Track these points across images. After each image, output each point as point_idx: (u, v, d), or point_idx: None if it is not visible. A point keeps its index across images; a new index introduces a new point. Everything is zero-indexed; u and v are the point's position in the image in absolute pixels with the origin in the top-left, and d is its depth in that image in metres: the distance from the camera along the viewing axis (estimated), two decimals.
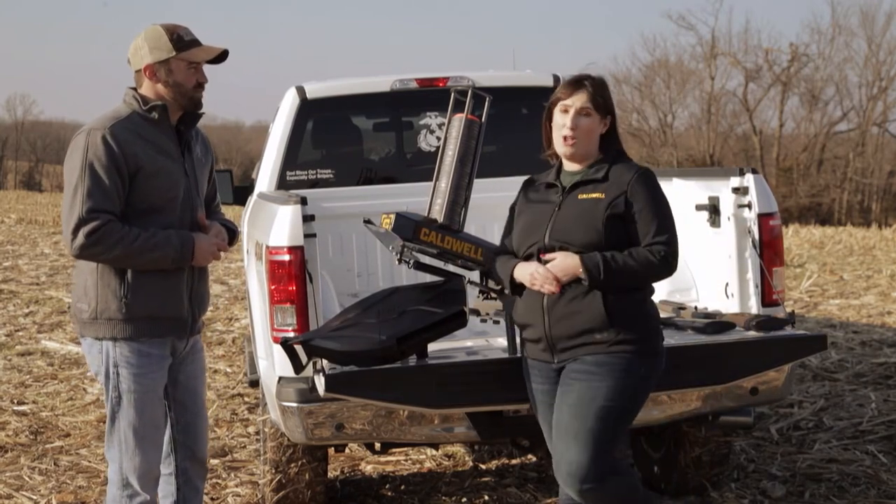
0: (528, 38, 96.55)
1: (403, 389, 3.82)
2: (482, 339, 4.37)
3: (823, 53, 42.94)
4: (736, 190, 4.35)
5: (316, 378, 3.83)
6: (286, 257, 3.99)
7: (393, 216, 3.96)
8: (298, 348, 3.80)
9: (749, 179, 4.31)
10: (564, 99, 3.49)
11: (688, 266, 4.71)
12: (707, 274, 4.68)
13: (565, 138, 3.47)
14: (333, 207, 5.21)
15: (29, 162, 69.97)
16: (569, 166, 3.55)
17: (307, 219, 4.10)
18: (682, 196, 4.71)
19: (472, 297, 4.20)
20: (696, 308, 4.55)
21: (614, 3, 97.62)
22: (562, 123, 3.49)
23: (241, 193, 6.35)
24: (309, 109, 5.55)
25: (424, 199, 4.20)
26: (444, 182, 4.07)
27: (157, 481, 3.79)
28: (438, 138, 5.60)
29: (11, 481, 5.57)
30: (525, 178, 3.82)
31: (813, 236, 20.95)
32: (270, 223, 4.12)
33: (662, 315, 3.98)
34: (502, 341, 4.11)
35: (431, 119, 5.71)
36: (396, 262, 4.10)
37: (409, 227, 3.94)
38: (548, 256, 3.39)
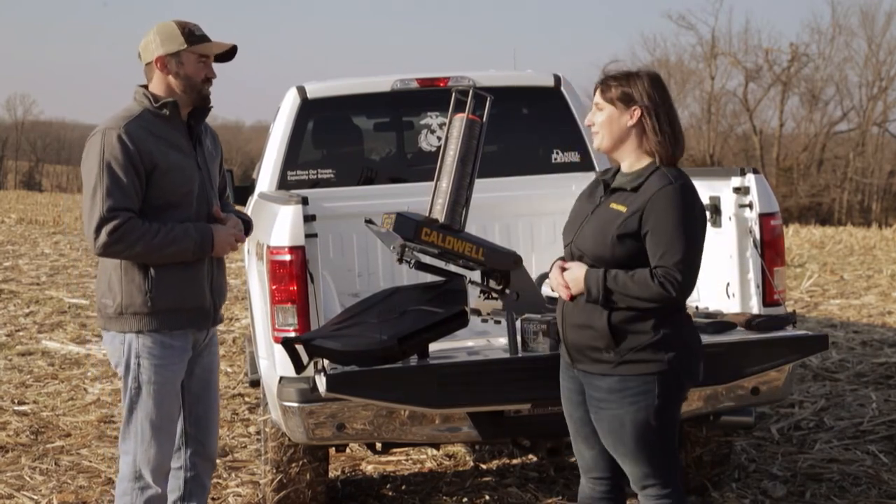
0: (528, 38, 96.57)
1: (404, 389, 3.82)
2: (483, 339, 4.36)
3: (823, 53, 42.96)
4: (737, 190, 4.34)
5: (317, 378, 3.83)
6: (287, 257, 4.00)
7: (394, 216, 3.96)
8: (299, 348, 3.81)
9: (750, 179, 4.31)
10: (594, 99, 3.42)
11: None
12: (708, 274, 4.66)
13: (592, 134, 3.39)
14: (334, 207, 5.21)
15: (29, 162, 69.98)
16: (623, 167, 3.37)
17: (308, 219, 4.10)
18: None
19: (474, 297, 4.19)
20: (696, 308, 4.55)
21: (614, 3, 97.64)
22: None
23: (242, 193, 6.34)
24: (310, 109, 5.55)
25: (425, 198, 4.20)
26: (446, 182, 4.07)
27: (168, 475, 3.82)
28: (439, 138, 5.60)
29: (12, 481, 5.57)
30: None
31: (813, 236, 20.94)
32: (271, 223, 4.12)
33: None
34: (503, 341, 4.11)
35: (432, 119, 5.71)
36: (397, 262, 4.10)
37: (410, 227, 3.94)
38: (566, 265, 3.32)
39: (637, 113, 3.27)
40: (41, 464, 5.87)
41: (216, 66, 3.75)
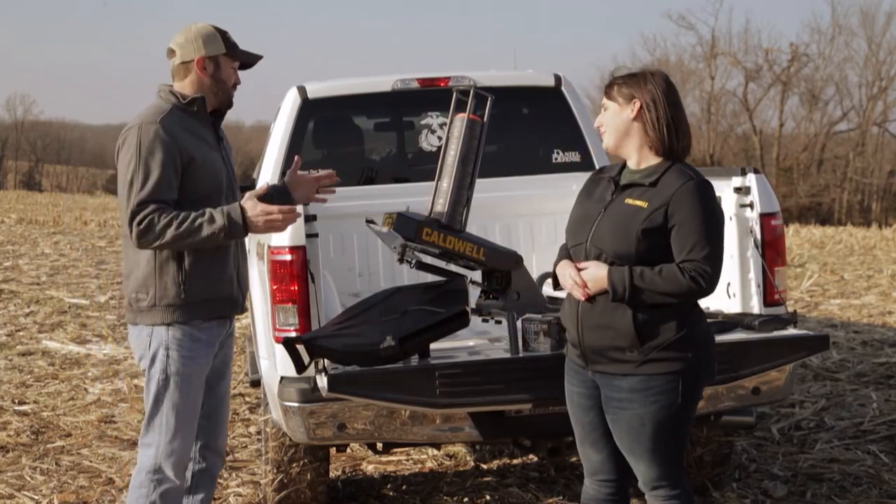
0: (528, 37, 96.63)
1: (405, 389, 3.82)
2: (484, 338, 4.37)
3: (823, 53, 42.99)
4: (738, 190, 4.34)
5: (318, 378, 3.83)
6: (288, 257, 4.00)
7: (395, 216, 3.96)
8: (300, 348, 3.81)
9: (751, 179, 4.30)
10: None
11: None
12: None
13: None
14: (335, 207, 5.19)
15: (29, 162, 69.99)
16: (630, 164, 3.38)
17: (309, 219, 4.11)
18: None
19: (474, 297, 4.19)
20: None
21: (614, 3, 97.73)
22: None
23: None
24: (310, 109, 5.55)
25: (426, 198, 4.20)
26: (447, 182, 4.07)
27: (186, 469, 3.85)
28: (440, 138, 5.60)
29: (13, 481, 5.57)
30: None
31: (813, 236, 20.95)
32: None
33: None
34: (504, 341, 4.11)
35: (433, 119, 5.71)
36: (398, 262, 4.10)
37: (410, 227, 3.94)
38: (582, 265, 3.27)
39: (637, 105, 3.28)
40: (42, 464, 5.87)
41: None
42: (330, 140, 5.82)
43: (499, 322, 4.26)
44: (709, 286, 3.17)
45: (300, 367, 3.83)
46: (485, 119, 4.16)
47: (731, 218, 4.39)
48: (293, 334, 3.95)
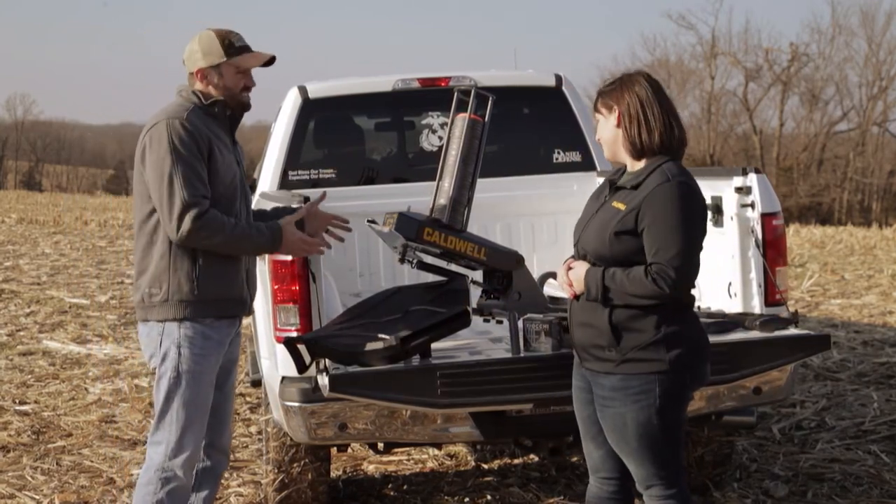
0: (528, 37, 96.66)
1: (407, 389, 3.81)
2: (485, 338, 4.37)
3: (823, 53, 43.01)
4: (739, 189, 4.34)
5: (319, 378, 3.83)
6: (289, 257, 4.00)
7: (396, 216, 3.96)
8: (301, 348, 3.80)
9: (752, 179, 4.30)
10: None
11: None
12: (710, 273, 4.66)
13: None
14: (335, 207, 5.19)
15: (29, 162, 70.02)
16: (628, 167, 3.42)
17: None
18: None
19: (476, 297, 4.19)
20: (698, 308, 4.54)
21: (614, 3, 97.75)
22: None
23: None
24: (311, 109, 5.55)
25: (426, 198, 4.20)
26: (448, 182, 4.07)
27: (194, 468, 3.85)
28: (440, 138, 5.60)
29: (14, 481, 5.57)
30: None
31: (814, 236, 20.95)
32: None
33: None
34: (505, 341, 4.11)
35: (433, 119, 5.71)
36: (399, 262, 4.10)
37: (412, 227, 3.93)
38: (571, 265, 3.36)
39: (616, 113, 3.34)
40: (42, 464, 5.87)
41: (258, 71, 3.92)
42: (331, 140, 5.82)
43: (500, 322, 4.25)
44: (672, 289, 3.15)
45: (301, 366, 3.83)
46: (486, 119, 4.16)
47: (731, 218, 4.40)
48: (294, 334, 3.95)
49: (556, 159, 5.70)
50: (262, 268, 4.37)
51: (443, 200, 4.07)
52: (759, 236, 4.27)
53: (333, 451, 4.89)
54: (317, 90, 5.58)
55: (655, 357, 3.22)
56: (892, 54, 42.04)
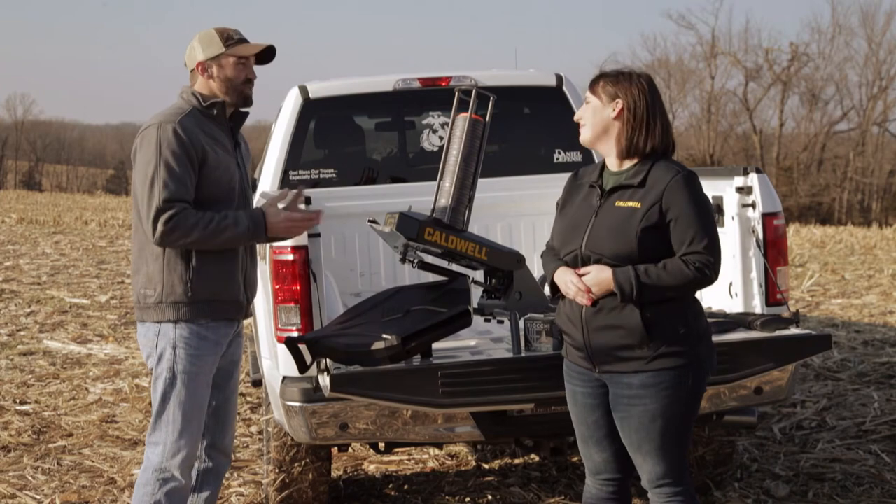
0: (528, 37, 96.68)
1: (408, 389, 3.81)
2: (486, 338, 4.36)
3: (824, 53, 43.06)
4: (740, 189, 4.34)
5: (321, 377, 3.83)
6: (290, 257, 4.00)
7: (397, 215, 3.96)
8: (303, 348, 3.81)
9: (753, 179, 4.30)
10: None
11: None
12: None
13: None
14: (336, 207, 5.20)
15: (29, 162, 70.05)
16: (610, 164, 3.40)
17: None
18: None
19: (477, 297, 4.19)
20: None
21: (615, 2, 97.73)
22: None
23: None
24: (312, 109, 5.55)
25: (427, 198, 4.20)
26: (449, 181, 4.07)
27: (192, 469, 3.85)
28: (441, 138, 5.60)
29: (15, 481, 5.57)
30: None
31: (814, 236, 20.95)
32: None
33: None
34: (506, 341, 4.11)
35: (434, 118, 5.71)
36: (400, 262, 4.10)
37: (413, 227, 3.93)
38: (582, 271, 3.27)
39: (619, 106, 3.32)
40: (43, 463, 5.87)
41: (260, 70, 3.91)
42: (331, 140, 5.82)
43: (501, 322, 4.26)
44: (713, 275, 3.23)
45: (302, 366, 3.83)
46: (487, 119, 4.16)
47: (733, 217, 4.40)
48: (295, 334, 3.95)
49: (557, 159, 5.70)
50: (264, 268, 4.37)
51: (444, 200, 4.07)
52: (760, 236, 4.27)
53: (334, 450, 4.89)
54: (317, 90, 5.58)
55: (685, 350, 3.25)
56: (892, 54, 42.10)
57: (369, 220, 4.40)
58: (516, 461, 5.69)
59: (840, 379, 7.39)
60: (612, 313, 3.25)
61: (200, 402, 3.78)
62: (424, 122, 5.75)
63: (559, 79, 5.74)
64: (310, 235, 4.06)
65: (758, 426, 5.18)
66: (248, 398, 7.17)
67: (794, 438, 5.97)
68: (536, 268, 5.16)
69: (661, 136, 3.33)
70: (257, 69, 3.89)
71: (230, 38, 3.80)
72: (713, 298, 4.61)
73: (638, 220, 3.22)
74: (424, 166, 5.54)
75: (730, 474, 5.22)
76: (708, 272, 3.21)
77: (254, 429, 6.43)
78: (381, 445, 4.52)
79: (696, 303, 3.37)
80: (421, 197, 4.62)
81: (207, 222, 3.61)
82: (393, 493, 5.28)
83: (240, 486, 5.41)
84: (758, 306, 4.32)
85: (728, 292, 4.47)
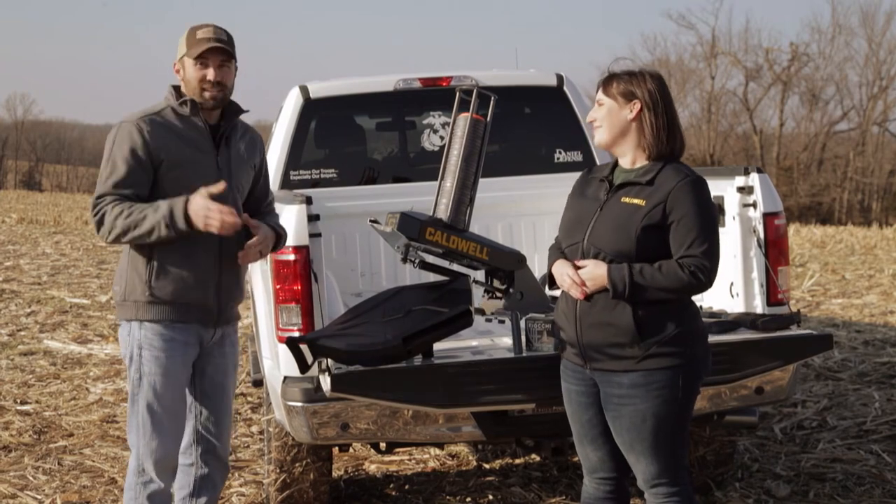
0: (527, 37, 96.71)
1: (409, 389, 3.81)
2: (487, 338, 4.36)
3: (824, 53, 43.01)
4: (741, 189, 4.34)
5: (322, 378, 3.83)
6: (291, 257, 4.00)
7: (398, 215, 3.96)
8: (304, 348, 3.80)
9: (754, 179, 4.31)
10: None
11: None
12: None
13: (593, 130, 3.41)
14: (337, 207, 5.20)
15: (29, 162, 70.02)
16: (623, 162, 3.40)
17: (312, 218, 4.10)
18: None
19: (478, 297, 4.19)
20: (700, 307, 4.54)
21: (614, 2, 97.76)
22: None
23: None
24: (312, 109, 5.55)
25: (428, 198, 4.19)
26: (450, 181, 4.07)
27: (174, 471, 3.82)
28: (442, 137, 5.60)
29: (16, 481, 5.57)
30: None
31: (814, 236, 20.95)
32: None
33: None
34: (507, 341, 4.11)
35: (435, 118, 5.71)
36: (401, 262, 4.10)
37: (414, 227, 3.93)
38: (580, 263, 3.28)
39: (637, 107, 3.32)
40: (44, 463, 5.87)
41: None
42: (332, 140, 5.82)
43: (502, 322, 4.26)
44: (707, 281, 3.22)
45: (303, 366, 3.83)
46: (488, 119, 4.16)
47: (734, 217, 4.40)
48: (296, 334, 3.95)
49: (558, 159, 5.70)
50: (265, 267, 4.37)
51: (445, 200, 4.07)
52: (761, 236, 4.27)
53: (335, 450, 4.89)
54: (318, 90, 5.58)
55: (677, 350, 3.24)
56: (892, 54, 42.07)
57: (370, 220, 4.39)
58: (517, 461, 5.69)
59: (841, 379, 7.39)
60: (605, 310, 3.25)
61: (171, 405, 3.71)
62: (425, 121, 5.75)
63: (560, 79, 5.74)
64: (311, 235, 4.06)
65: (759, 426, 5.19)
66: (249, 398, 7.17)
67: (794, 438, 5.97)
68: (537, 267, 5.16)
69: (678, 135, 3.34)
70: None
71: (191, 37, 3.70)
72: (714, 298, 4.61)
73: (640, 218, 3.22)
74: (425, 166, 5.54)
75: (731, 474, 5.22)
76: (703, 277, 3.20)
77: (254, 429, 6.43)
78: (383, 445, 4.52)
79: (692, 304, 3.37)
80: (422, 197, 4.62)
81: (128, 213, 3.53)
82: (394, 493, 5.28)
83: (241, 486, 5.41)
84: (759, 306, 4.32)
85: (729, 292, 4.47)
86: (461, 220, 4.06)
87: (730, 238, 4.42)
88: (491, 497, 5.16)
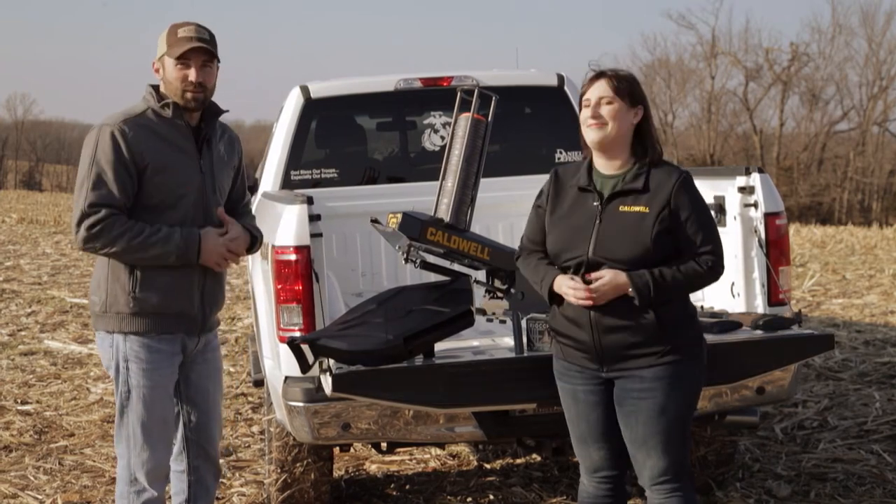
0: (527, 37, 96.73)
1: (410, 389, 3.81)
2: (489, 338, 4.36)
3: (824, 53, 43.01)
4: (742, 189, 4.35)
5: (323, 377, 3.83)
6: (292, 257, 3.99)
7: (399, 215, 3.96)
8: (305, 348, 3.80)
9: (755, 179, 4.31)
10: (585, 94, 3.39)
11: None
12: None
13: (590, 126, 3.33)
14: (338, 207, 5.20)
15: (29, 162, 70.02)
16: (601, 166, 3.40)
17: (313, 218, 4.10)
18: None
19: (479, 297, 4.19)
20: (702, 307, 4.55)
21: (614, 2, 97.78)
22: (583, 118, 3.37)
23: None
24: (313, 109, 5.55)
25: (429, 198, 4.20)
26: (451, 181, 4.07)
27: (167, 478, 3.80)
28: (442, 137, 5.60)
29: (16, 481, 5.57)
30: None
31: (814, 236, 20.95)
32: (276, 223, 4.11)
33: None
34: (509, 341, 4.11)
35: (435, 118, 5.71)
36: (403, 262, 4.10)
37: (415, 227, 3.93)
38: (595, 275, 3.27)
39: (641, 111, 3.38)
40: (45, 463, 5.87)
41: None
42: (333, 140, 5.82)
43: (503, 322, 4.25)
44: (722, 267, 3.36)
45: (304, 366, 3.83)
46: (489, 118, 4.16)
47: (735, 217, 4.40)
48: (297, 334, 3.95)
49: (559, 158, 5.70)
50: (265, 267, 4.37)
51: (446, 200, 4.07)
52: (763, 236, 4.27)
53: (336, 450, 4.89)
54: (319, 90, 5.58)
55: (693, 342, 3.37)
56: (892, 54, 42.07)
57: (371, 220, 4.40)
58: (518, 461, 5.68)
59: (841, 379, 7.39)
60: (626, 314, 3.28)
61: (161, 414, 3.68)
62: (426, 121, 5.75)
63: (560, 78, 5.74)
64: (312, 235, 4.06)
65: (759, 426, 5.18)
66: (250, 398, 7.17)
67: (795, 438, 5.97)
68: None
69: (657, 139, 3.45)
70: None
71: (173, 36, 3.58)
72: (715, 298, 4.61)
73: (650, 225, 3.27)
74: (426, 166, 5.54)
75: (731, 474, 5.22)
76: (718, 267, 3.33)
77: (255, 429, 6.43)
78: (383, 445, 4.51)
79: (690, 303, 3.49)
80: (423, 197, 4.62)
81: (136, 234, 3.47)
82: (394, 493, 5.28)
83: (241, 486, 5.41)
84: (760, 306, 4.32)
85: (730, 292, 4.47)
86: (462, 220, 4.07)
87: (731, 238, 4.41)
88: (492, 497, 5.16)
